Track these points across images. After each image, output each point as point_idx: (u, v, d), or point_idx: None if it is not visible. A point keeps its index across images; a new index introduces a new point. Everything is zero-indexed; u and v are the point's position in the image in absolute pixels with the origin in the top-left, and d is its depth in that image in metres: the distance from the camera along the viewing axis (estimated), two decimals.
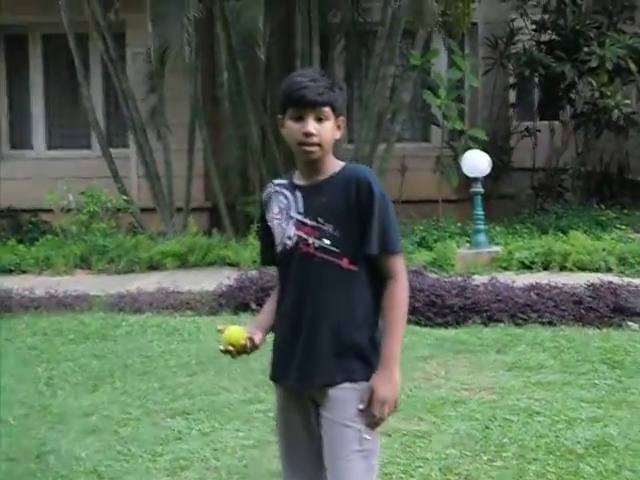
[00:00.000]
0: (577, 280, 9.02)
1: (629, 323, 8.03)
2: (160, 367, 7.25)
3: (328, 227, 3.01)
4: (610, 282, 8.47)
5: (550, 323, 8.09)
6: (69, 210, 12.14)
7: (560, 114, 15.67)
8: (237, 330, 3.15)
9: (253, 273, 9.43)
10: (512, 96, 15.42)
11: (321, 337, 3.04)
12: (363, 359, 3.06)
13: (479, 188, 10.73)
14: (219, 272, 10.74)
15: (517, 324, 8.15)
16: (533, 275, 9.90)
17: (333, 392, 3.05)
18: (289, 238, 3.08)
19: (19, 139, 15.04)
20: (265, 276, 9.12)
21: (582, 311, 8.14)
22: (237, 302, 9.01)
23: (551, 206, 14.24)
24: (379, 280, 3.05)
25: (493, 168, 14.37)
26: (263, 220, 3.23)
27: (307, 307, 3.06)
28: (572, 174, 14.84)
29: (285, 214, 3.10)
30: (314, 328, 3.05)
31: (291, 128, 3.00)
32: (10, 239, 12.51)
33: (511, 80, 14.75)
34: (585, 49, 13.90)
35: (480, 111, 15.08)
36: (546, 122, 15.30)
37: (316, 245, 3.02)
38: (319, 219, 3.01)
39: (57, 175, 13.42)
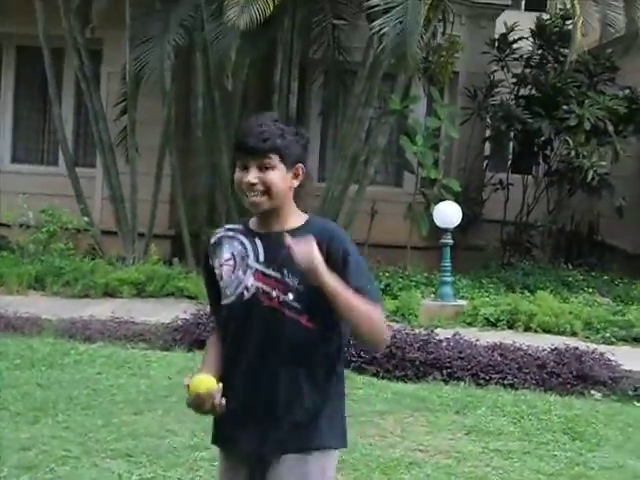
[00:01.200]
0: (542, 342, 8.84)
1: (592, 392, 7.85)
2: (106, 402, 6.95)
3: (293, 281, 2.79)
4: (576, 348, 8.31)
5: (512, 386, 7.89)
6: (28, 227, 11.80)
7: (534, 169, 15.64)
8: (207, 378, 2.84)
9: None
10: (488, 148, 15.34)
11: (283, 401, 2.84)
12: (321, 429, 2.87)
13: (449, 239, 10.57)
14: (176, 304, 10.46)
15: (478, 384, 7.94)
16: (497, 333, 9.70)
17: (288, 460, 2.85)
18: (246, 289, 2.84)
19: None
20: None
21: (545, 376, 7.96)
22: (192, 338, 8.72)
23: (518, 262, 14.12)
24: (337, 342, 2.88)
25: (463, 219, 14.36)
26: (207, 267, 3.00)
27: (269, 367, 2.83)
28: (542, 231, 14.74)
29: (240, 262, 2.87)
30: (276, 391, 2.84)
31: (236, 177, 2.84)
32: None
33: (488, 132, 14.65)
34: (564, 107, 13.85)
35: (455, 161, 14.98)
36: (519, 176, 15.24)
37: (280, 299, 2.80)
38: (284, 271, 2.79)
39: (20, 189, 13.11)
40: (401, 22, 9.46)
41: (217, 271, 2.93)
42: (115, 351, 8.50)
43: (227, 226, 3.01)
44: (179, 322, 9.07)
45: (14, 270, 11.00)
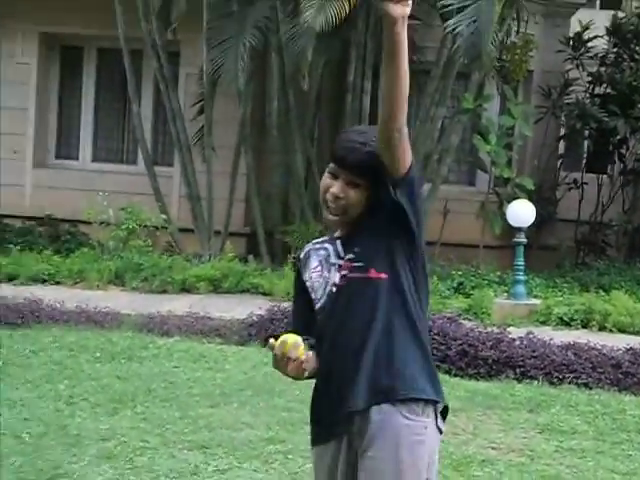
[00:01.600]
0: (617, 342, 8.76)
1: None
2: (183, 395, 7.11)
3: (357, 250, 2.87)
4: None
5: (586, 385, 7.85)
6: (108, 224, 12.08)
7: (609, 168, 15.48)
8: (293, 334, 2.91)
9: (285, 305, 9.27)
10: (562, 147, 15.20)
11: (361, 363, 2.83)
12: (410, 378, 2.84)
13: (522, 238, 10.52)
14: (251, 300, 10.60)
15: (552, 383, 7.92)
16: (571, 333, 9.64)
17: (374, 417, 2.81)
18: (334, 285, 2.92)
19: (66, 149, 15.05)
20: None
21: (620, 375, 7.90)
22: (267, 334, 8.83)
23: (593, 261, 13.99)
24: (416, 290, 2.88)
25: (537, 218, 14.30)
26: (299, 280, 3.07)
27: (352, 335, 2.86)
28: (617, 230, 14.57)
29: (325, 264, 2.97)
30: (352, 353, 2.85)
31: (323, 181, 2.89)
32: (47, 248, 12.47)
33: (562, 131, 14.52)
34: None
35: (529, 160, 14.91)
36: (594, 175, 15.09)
37: (349, 270, 2.89)
38: (355, 249, 2.88)
39: (100, 188, 13.44)
40: (475, 21, 9.47)
41: (308, 283, 3.01)
42: (192, 345, 8.67)
43: (314, 241, 3.10)
44: (254, 318, 9.21)
45: (94, 266, 11.27)
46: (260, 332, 8.93)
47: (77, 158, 14.92)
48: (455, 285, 11.13)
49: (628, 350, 8.18)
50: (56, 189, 14.25)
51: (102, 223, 11.98)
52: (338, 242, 2.96)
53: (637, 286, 12.28)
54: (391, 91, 2.69)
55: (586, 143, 15.66)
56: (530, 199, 14.17)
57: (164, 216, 12.37)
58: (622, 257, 14.65)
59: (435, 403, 2.90)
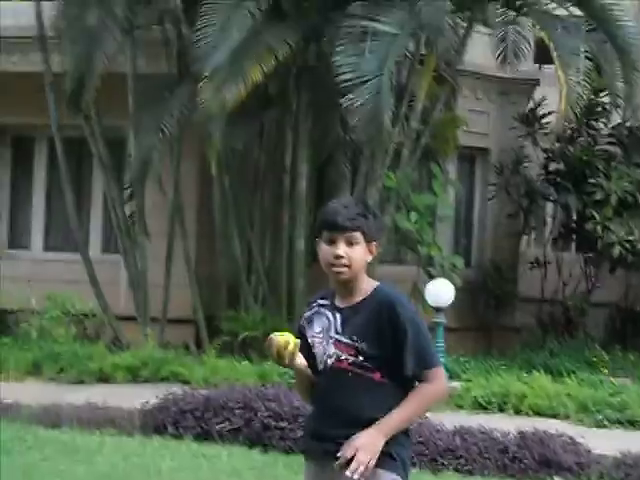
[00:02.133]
0: (529, 426, 8.33)
1: (555, 479, 7.34)
2: None
3: (361, 345, 3.23)
4: (544, 431, 7.80)
5: (470, 472, 7.44)
6: (37, 313, 11.93)
7: (572, 246, 15.17)
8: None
9: (180, 393, 8.98)
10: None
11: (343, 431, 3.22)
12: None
13: (441, 319, 10.19)
14: (168, 389, 10.29)
15: (437, 469, 7.52)
16: (486, 416, 9.22)
17: None
18: (329, 356, 3.30)
19: (17, 239, 15.01)
20: (188, 397, 8.68)
21: (507, 461, 7.50)
22: (155, 423, 8.56)
23: (555, 342, 13.56)
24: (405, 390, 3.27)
25: (494, 298, 13.99)
26: (300, 332, 3.42)
27: (338, 413, 3.27)
28: (575, 308, 14.15)
29: (325, 334, 3.33)
30: (338, 422, 3.25)
31: (324, 250, 3.29)
32: None
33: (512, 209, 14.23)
34: (591, 181, 13.40)
35: (489, 238, 14.66)
36: (554, 253, 14.77)
37: (349, 361, 3.25)
38: (354, 337, 3.24)
39: (51, 277, 13.38)
40: (373, 96, 9.31)
41: (309, 340, 3.38)
42: (73, 437, 8.39)
43: (319, 301, 3.42)
44: (148, 407, 8.92)
45: (14, 356, 11.08)
46: (148, 421, 8.63)
47: (29, 248, 14.85)
48: None
49: (518, 434, 7.77)
50: (8, 280, 14.12)
51: (30, 312, 11.79)
52: (338, 314, 3.32)
53: (585, 368, 11.85)
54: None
55: (550, 220, 15.38)
56: (489, 279, 14.05)
57: (91, 304, 12.15)
58: (596, 338, 14.17)
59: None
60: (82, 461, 7.65)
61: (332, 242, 3.26)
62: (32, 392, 10.22)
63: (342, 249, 3.23)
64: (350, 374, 3.24)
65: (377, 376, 3.22)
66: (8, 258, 14.66)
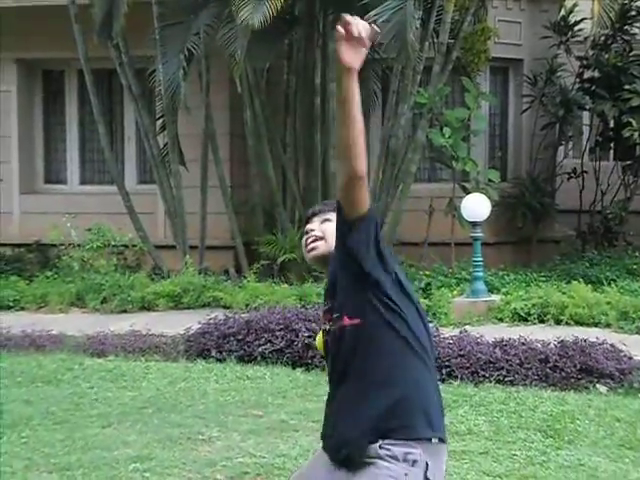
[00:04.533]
0: (569, 335, 8.33)
1: (597, 386, 7.35)
2: (81, 416, 6.95)
3: (330, 303, 3.07)
4: (584, 340, 7.79)
5: (512, 382, 7.47)
6: (79, 245, 12.04)
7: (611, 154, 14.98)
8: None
9: (221, 318, 9.07)
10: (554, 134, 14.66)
11: (346, 406, 3.00)
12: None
13: (478, 233, 10.13)
14: (210, 314, 10.41)
15: (477, 382, 7.57)
16: (527, 328, 9.24)
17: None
18: (325, 332, 3.16)
19: (54, 174, 15.09)
20: (229, 322, 8.78)
21: (548, 370, 7.51)
22: (199, 348, 8.67)
23: (594, 252, 13.48)
24: (393, 336, 2.95)
25: (533, 211, 13.86)
26: None
27: (335, 379, 3.08)
28: (613, 218, 14.01)
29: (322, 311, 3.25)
30: (340, 398, 3.05)
31: (302, 242, 3.21)
32: (37, 275, 12.37)
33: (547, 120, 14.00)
34: (627, 87, 13.15)
35: (525, 150, 14.48)
36: (593, 163, 14.59)
37: (327, 327, 3.09)
38: (332, 303, 3.06)
39: (89, 210, 13.49)
40: (396, 12, 9.16)
41: None
42: (118, 365, 8.52)
43: None
44: (191, 332, 9.03)
45: (57, 289, 11.23)
46: (192, 347, 8.75)
47: (65, 182, 14.93)
48: (423, 286, 10.75)
49: (559, 343, 7.77)
50: (45, 214, 14.23)
51: (70, 245, 11.91)
52: (324, 293, 3.18)
53: (626, 276, 11.78)
54: (342, 139, 2.82)
55: (586, 130, 15.16)
56: (525, 191, 13.90)
57: (130, 235, 12.24)
58: (629, 245, 14.09)
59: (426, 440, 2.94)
60: (128, 387, 7.79)
61: (308, 224, 3.24)
62: (76, 323, 10.41)
63: (315, 225, 3.19)
64: (334, 333, 3.05)
65: (346, 320, 2.98)
66: (45, 192, 14.79)
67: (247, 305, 10.46)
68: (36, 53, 14.28)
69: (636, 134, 12.93)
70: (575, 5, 14.09)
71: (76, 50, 12.66)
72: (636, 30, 14.31)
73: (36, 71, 14.91)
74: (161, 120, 12.82)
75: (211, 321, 8.99)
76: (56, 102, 15.01)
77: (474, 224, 10.14)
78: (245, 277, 11.61)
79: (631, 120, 13.01)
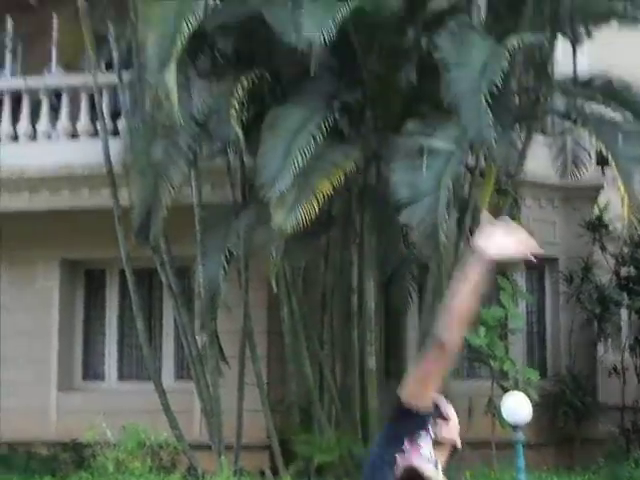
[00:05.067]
0: None
1: None
2: None
3: None
4: None
5: None
6: (114, 445, 11.92)
7: None
8: None
9: None
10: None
11: None
12: None
13: (520, 437, 9.91)
14: None
15: None
16: None
17: None
18: None
19: (92, 369, 15.17)
20: None
21: None
22: None
23: (635, 452, 13.13)
24: None
25: (574, 409, 13.63)
26: None
27: None
28: None
29: None
30: None
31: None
32: (70, 475, 12.21)
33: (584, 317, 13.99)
34: None
35: (564, 348, 14.38)
36: (633, 359, 14.43)
37: None
38: None
39: (125, 407, 13.45)
40: (430, 213, 9.37)
41: None
42: None
43: None
44: None
45: None
46: None
47: (103, 378, 14.97)
48: None
49: None
50: (83, 412, 14.19)
51: (105, 444, 11.80)
52: None
53: None
54: (450, 301, 2.92)
55: (625, 326, 15.07)
56: (566, 389, 13.70)
57: (165, 433, 12.13)
58: None
59: None
60: None
61: None
62: None
63: None
64: None
65: None
66: (83, 390, 14.81)
67: None
68: (79, 254, 14.66)
69: None
70: (608, 204, 14.29)
71: (118, 250, 12.96)
72: None
73: (79, 270, 15.24)
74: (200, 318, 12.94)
75: None
76: (97, 297, 15.29)
77: (515, 427, 9.93)
78: (280, 478, 11.40)
79: None
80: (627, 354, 14.82)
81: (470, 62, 10.62)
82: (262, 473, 12.29)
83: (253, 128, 11.43)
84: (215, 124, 11.40)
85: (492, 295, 12.64)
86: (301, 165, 10.54)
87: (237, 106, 10.95)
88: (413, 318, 13.27)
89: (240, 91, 11.20)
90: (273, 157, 10.86)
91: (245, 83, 11.33)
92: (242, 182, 12.58)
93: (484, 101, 10.03)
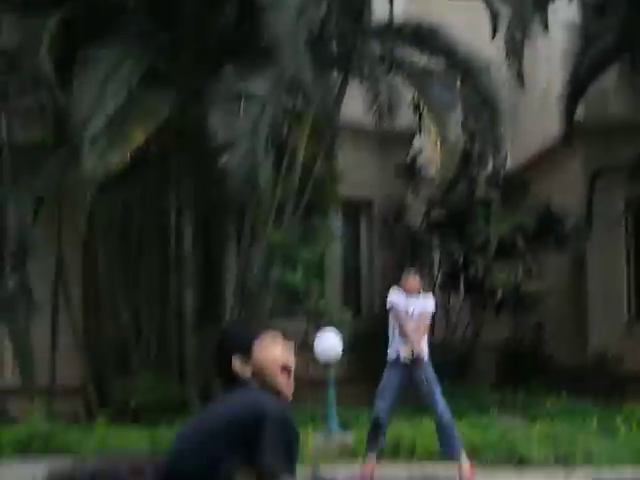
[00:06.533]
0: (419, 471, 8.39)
1: None
2: None
3: None
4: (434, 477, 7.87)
5: None
6: None
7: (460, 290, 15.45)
8: None
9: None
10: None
11: None
12: None
13: (331, 373, 10.18)
14: (57, 463, 10.02)
15: None
16: (379, 464, 9.23)
17: None
18: None
19: None
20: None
21: None
22: None
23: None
24: None
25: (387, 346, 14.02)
26: None
27: None
28: (464, 352, 14.40)
29: None
30: None
31: (284, 353, 2.91)
32: None
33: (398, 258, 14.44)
34: (472, 226, 13.73)
35: (377, 289, 14.78)
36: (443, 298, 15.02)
37: None
38: None
39: None
40: (247, 156, 9.41)
41: None
42: None
43: None
44: None
45: None
46: None
47: None
48: None
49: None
50: None
51: None
52: None
53: (477, 410, 11.99)
54: None
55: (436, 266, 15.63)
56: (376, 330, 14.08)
57: None
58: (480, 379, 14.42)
59: None
60: None
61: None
62: None
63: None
64: None
65: None
66: None
67: (96, 450, 10.12)
68: None
69: (481, 271, 13.40)
70: (421, 150, 14.71)
71: None
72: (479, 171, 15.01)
73: None
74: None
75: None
76: None
77: (326, 364, 10.17)
78: (95, 421, 11.31)
79: (477, 258, 13.51)
80: (437, 294, 15.40)
81: (288, 4, 10.64)
82: (76, 416, 12.13)
83: (67, 66, 11.12)
84: (26, 59, 11.00)
85: (309, 235, 12.89)
86: (114, 110, 10.36)
87: (49, 41, 10.57)
88: (231, 259, 13.32)
89: (53, 25, 10.84)
90: (85, 100, 10.62)
91: (59, 17, 10.96)
92: (54, 122, 12.22)
93: (302, 42, 10.09)
